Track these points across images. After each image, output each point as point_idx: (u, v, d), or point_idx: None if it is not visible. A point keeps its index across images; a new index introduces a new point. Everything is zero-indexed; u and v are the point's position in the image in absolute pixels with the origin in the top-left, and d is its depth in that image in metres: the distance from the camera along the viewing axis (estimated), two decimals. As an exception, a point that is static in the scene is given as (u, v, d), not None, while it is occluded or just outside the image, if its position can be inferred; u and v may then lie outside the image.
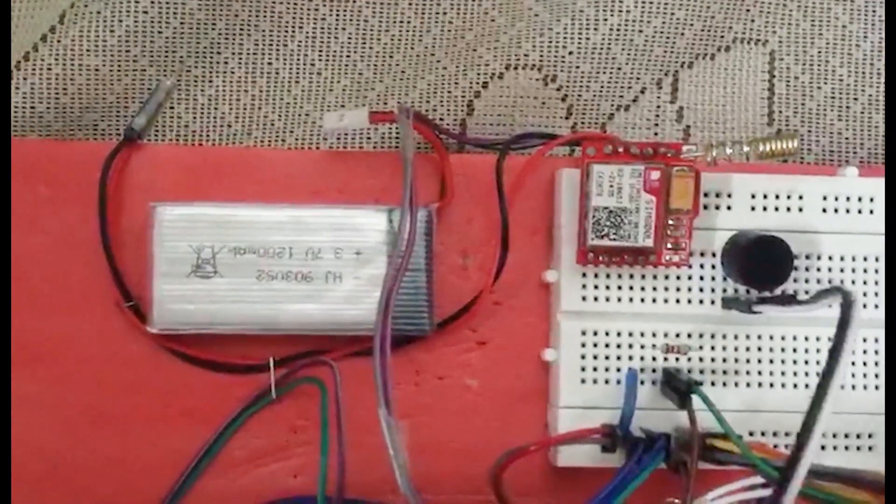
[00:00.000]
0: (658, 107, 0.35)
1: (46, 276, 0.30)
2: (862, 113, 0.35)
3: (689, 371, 0.30)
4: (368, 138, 0.34)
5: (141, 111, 0.31)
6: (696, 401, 0.28)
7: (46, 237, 0.30)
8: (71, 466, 0.30)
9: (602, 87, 0.34)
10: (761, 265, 0.29)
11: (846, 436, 0.31)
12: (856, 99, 0.35)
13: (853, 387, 0.31)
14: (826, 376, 0.21)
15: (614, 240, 0.29)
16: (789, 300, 0.28)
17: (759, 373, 0.31)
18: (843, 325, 0.21)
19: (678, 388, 0.29)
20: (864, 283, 0.31)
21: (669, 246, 0.30)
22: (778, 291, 0.30)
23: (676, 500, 0.27)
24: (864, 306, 0.31)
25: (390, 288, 0.26)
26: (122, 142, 0.30)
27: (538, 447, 0.29)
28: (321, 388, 0.30)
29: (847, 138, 0.35)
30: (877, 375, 0.31)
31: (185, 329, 0.30)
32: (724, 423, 0.27)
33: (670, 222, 0.29)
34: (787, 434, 0.30)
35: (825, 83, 0.35)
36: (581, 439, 0.28)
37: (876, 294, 0.31)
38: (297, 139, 0.34)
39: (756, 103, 0.35)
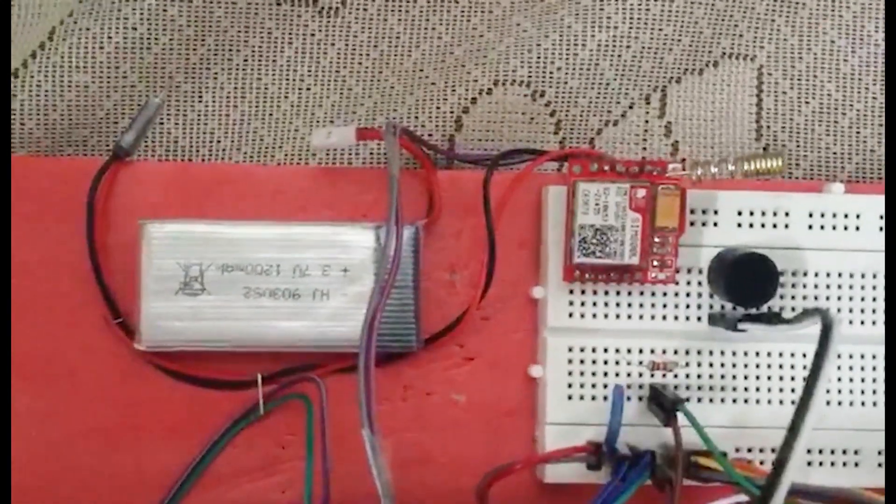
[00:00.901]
0: (646, 122, 0.35)
1: (34, 292, 0.30)
2: (850, 128, 0.35)
3: (676, 387, 0.30)
4: (357, 154, 0.34)
5: (130, 128, 0.31)
6: (681, 418, 0.29)
7: (34, 254, 0.31)
8: (59, 482, 0.30)
9: (590, 102, 0.34)
10: (747, 282, 0.29)
11: (832, 452, 0.31)
12: (844, 114, 0.35)
13: (839, 403, 0.31)
14: (806, 396, 0.21)
15: (600, 258, 0.29)
16: (774, 319, 0.28)
17: (745, 389, 0.31)
18: (823, 345, 0.21)
19: (663, 404, 0.29)
20: (850, 299, 0.31)
21: (655, 263, 0.30)
22: (764, 308, 0.30)
23: (661, 518, 0.27)
24: (850, 322, 0.31)
25: (375, 307, 0.26)
26: (110, 159, 0.31)
27: (524, 465, 0.29)
28: (307, 404, 0.30)
29: (835, 153, 0.35)
30: (862, 392, 0.31)
31: (172, 346, 0.30)
32: (707, 441, 0.27)
33: (656, 240, 0.29)
34: (772, 450, 0.30)
35: (813, 98, 0.35)
36: (566, 457, 0.28)
37: (862, 311, 0.31)
38: (286, 154, 0.34)
39: (744, 118, 0.35)
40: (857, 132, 0.35)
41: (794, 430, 0.21)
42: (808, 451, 0.31)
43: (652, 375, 0.31)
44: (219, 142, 0.34)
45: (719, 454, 0.27)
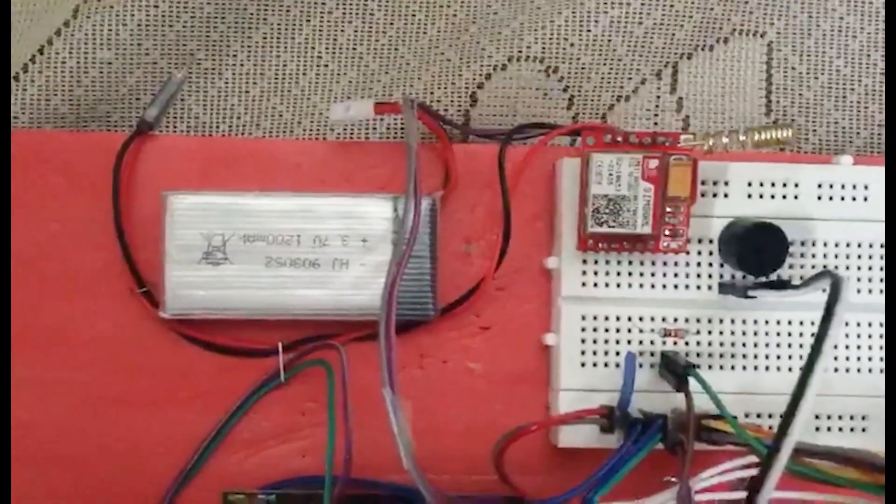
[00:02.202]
0: (658, 97, 0.35)
1: (61, 263, 0.31)
2: (858, 103, 0.36)
3: (687, 355, 0.31)
4: (374, 129, 0.34)
5: (153, 103, 0.32)
6: (692, 383, 0.29)
7: (61, 225, 0.31)
8: (85, 448, 0.31)
9: (603, 78, 0.35)
10: (757, 251, 0.30)
11: (840, 417, 0.31)
12: (852, 89, 0.36)
13: (846, 370, 0.31)
14: (813, 355, 0.22)
15: (613, 227, 0.30)
16: (783, 285, 0.29)
17: (755, 356, 0.31)
18: (831, 306, 0.22)
19: (675, 370, 0.30)
20: (858, 268, 0.32)
21: (667, 233, 0.30)
22: (774, 277, 0.30)
23: (673, 479, 0.28)
24: (858, 291, 0.31)
25: (396, 268, 0.26)
26: (134, 132, 0.31)
27: (538, 427, 0.29)
28: (328, 370, 0.31)
29: (844, 128, 0.36)
30: (870, 359, 0.32)
31: (196, 314, 0.30)
32: (719, 404, 0.28)
33: (668, 210, 0.30)
34: (781, 416, 0.31)
35: (822, 74, 0.36)
36: (580, 420, 0.29)
37: (870, 280, 0.32)
38: (304, 130, 0.34)
39: (754, 94, 0.36)
40: (866, 107, 0.36)
41: (801, 386, 0.22)
42: (816, 417, 0.31)
43: (664, 343, 0.31)
44: (238, 118, 0.34)
45: (730, 416, 0.28)
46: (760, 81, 0.36)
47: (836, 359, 0.32)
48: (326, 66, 0.34)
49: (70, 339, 0.31)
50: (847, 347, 0.32)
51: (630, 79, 0.35)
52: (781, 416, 0.22)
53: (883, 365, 0.31)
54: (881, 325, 0.31)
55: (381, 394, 0.24)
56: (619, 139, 0.30)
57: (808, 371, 0.21)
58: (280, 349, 0.31)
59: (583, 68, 0.35)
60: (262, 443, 0.32)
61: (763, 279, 0.30)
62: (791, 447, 0.21)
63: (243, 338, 0.32)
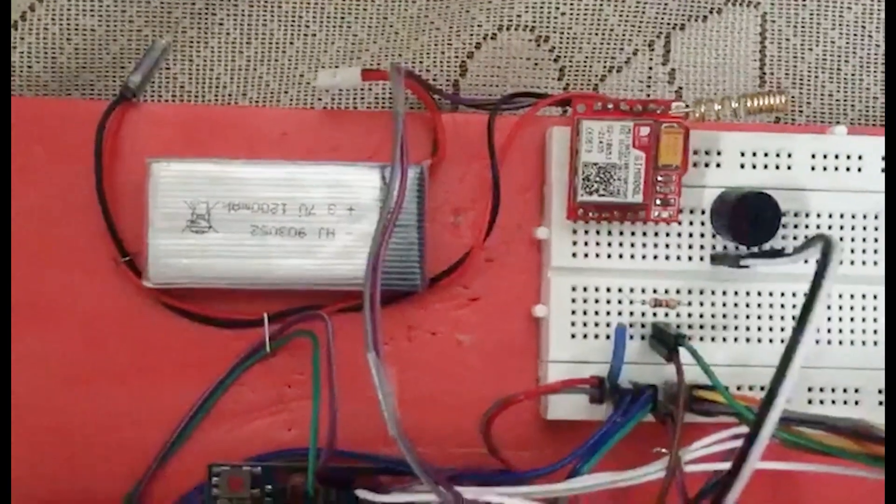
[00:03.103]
0: (650, 69, 0.35)
1: (42, 232, 0.31)
2: (853, 75, 0.35)
3: (678, 326, 0.31)
4: (362, 98, 0.34)
5: (136, 69, 0.31)
6: (683, 355, 0.29)
7: (42, 194, 0.31)
8: (68, 419, 0.31)
9: (594, 48, 0.34)
10: (750, 221, 0.29)
11: (833, 390, 0.31)
12: (846, 61, 0.35)
13: (840, 342, 0.31)
14: (804, 314, 0.21)
15: (603, 196, 0.29)
16: (776, 253, 0.28)
17: (747, 328, 0.31)
18: (823, 266, 0.22)
19: (666, 341, 0.29)
20: (852, 240, 0.31)
21: (658, 202, 0.30)
22: (766, 247, 0.30)
23: (663, 450, 0.28)
24: (851, 263, 0.31)
25: (382, 233, 0.26)
26: (117, 99, 0.31)
27: (527, 396, 0.29)
28: (314, 340, 0.30)
29: (838, 100, 0.35)
30: (863, 331, 0.31)
31: (180, 283, 0.30)
32: (709, 373, 0.28)
33: (659, 178, 0.30)
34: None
35: (816, 45, 0.35)
36: (570, 388, 0.29)
37: (863, 251, 0.31)
38: (291, 100, 0.34)
39: (748, 65, 0.35)
40: (860, 79, 0.35)
41: (792, 345, 0.22)
42: (809, 390, 0.31)
43: (654, 315, 0.31)
44: (224, 87, 0.34)
45: (721, 385, 0.27)
46: (754, 53, 0.35)
47: (828, 331, 0.31)
48: (314, 35, 0.34)
49: (52, 310, 0.31)
50: (840, 320, 0.31)
51: (622, 49, 0.35)
52: (771, 379, 0.22)
53: (875, 337, 0.31)
54: (874, 297, 0.31)
55: (366, 358, 0.24)
56: (610, 106, 0.30)
57: (798, 331, 0.21)
58: (266, 320, 0.31)
59: (574, 38, 0.34)
60: (247, 415, 0.31)
61: (756, 249, 0.30)
62: (781, 407, 0.21)
63: (228, 309, 0.31)
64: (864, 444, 0.25)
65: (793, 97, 0.35)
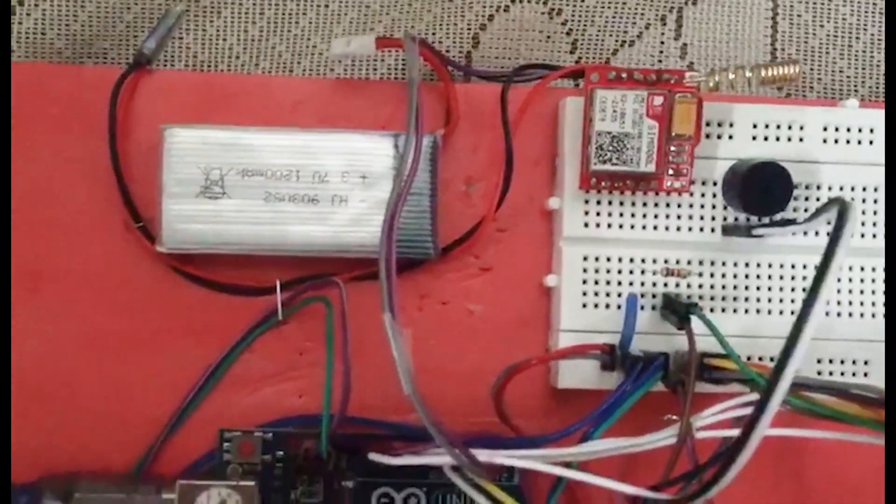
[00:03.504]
0: (662, 43, 0.35)
1: (57, 197, 0.31)
2: (864, 52, 0.35)
3: (689, 297, 0.31)
4: (374, 69, 0.34)
5: (150, 35, 0.31)
6: (695, 323, 0.29)
7: (57, 159, 0.31)
8: (78, 385, 0.31)
9: (607, 22, 0.34)
10: (762, 191, 0.30)
11: (842, 362, 0.31)
12: (858, 38, 0.35)
13: (850, 314, 0.31)
14: (819, 278, 0.21)
15: (616, 165, 0.30)
16: (789, 221, 0.29)
17: (758, 300, 0.31)
18: (839, 229, 0.22)
19: (677, 309, 0.29)
20: (863, 212, 0.31)
21: (671, 172, 0.30)
22: (777, 218, 0.30)
23: (675, 417, 0.28)
24: (862, 236, 0.31)
25: (397, 197, 0.26)
26: (132, 65, 0.31)
27: (539, 361, 0.29)
28: (327, 305, 0.30)
29: (849, 76, 0.35)
30: (873, 304, 0.31)
31: (192, 249, 0.30)
32: (721, 340, 0.28)
33: (672, 148, 0.30)
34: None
35: (828, 21, 0.35)
36: (581, 354, 0.29)
37: (874, 224, 0.31)
38: (304, 70, 0.34)
39: (759, 41, 0.35)
40: (871, 56, 0.36)
41: (806, 309, 0.22)
42: (818, 361, 0.31)
43: (665, 285, 0.31)
44: (237, 57, 0.34)
45: (733, 352, 0.27)
46: (766, 28, 0.35)
47: (838, 303, 0.31)
48: (327, 6, 0.34)
49: (64, 275, 0.31)
50: (850, 292, 0.31)
51: (634, 24, 0.35)
52: (785, 343, 0.22)
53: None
54: (885, 269, 0.31)
55: (381, 319, 0.24)
56: (624, 76, 0.30)
57: (814, 289, 0.21)
58: (278, 287, 0.31)
59: (586, 11, 0.34)
60: (258, 382, 0.31)
61: (767, 220, 0.30)
62: (795, 366, 0.21)
63: (241, 276, 0.31)
64: (874, 409, 0.25)
65: (804, 73, 0.35)
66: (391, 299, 0.24)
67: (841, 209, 0.22)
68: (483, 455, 0.25)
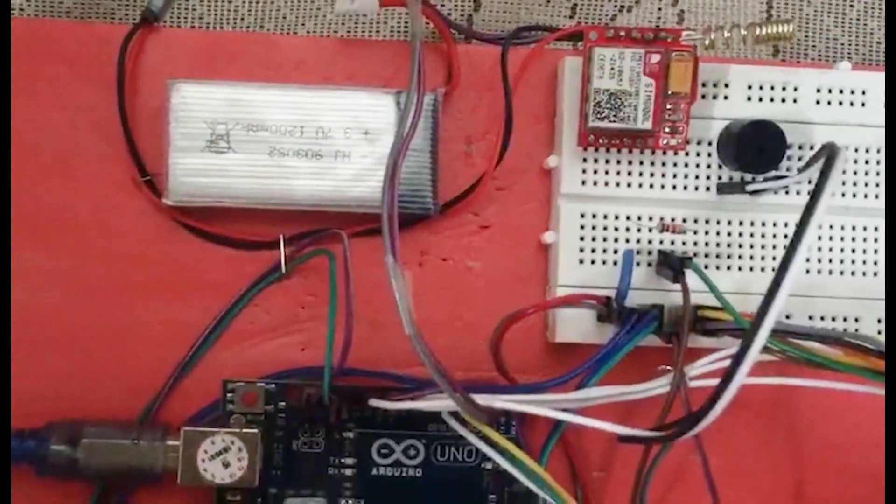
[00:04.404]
0: (659, 9, 0.36)
1: (65, 151, 0.31)
2: (857, 19, 0.36)
3: (684, 254, 0.31)
4: (377, 31, 0.35)
5: (158, -8, 0.32)
6: (689, 277, 0.30)
7: (65, 114, 0.31)
8: (85, 335, 0.31)
9: (605, -13, 0.35)
10: (756, 149, 0.30)
11: (833, 319, 0.32)
12: (852, 5, 0.36)
13: (840, 272, 0.32)
14: (804, 219, 0.22)
15: (614, 122, 0.30)
16: (782, 175, 0.29)
17: (751, 258, 0.32)
18: (826, 172, 0.22)
19: (672, 264, 0.30)
20: (855, 173, 0.32)
21: (667, 129, 0.31)
22: (771, 175, 0.31)
23: (669, 367, 0.29)
24: (854, 196, 0.32)
25: (399, 149, 0.27)
26: (140, 22, 0.31)
27: (537, 308, 0.30)
28: (330, 257, 0.31)
29: (842, 43, 0.36)
30: (864, 262, 0.32)
31: (198, 202, 0.31)
32: (715, 290, 0.28)
33: (668, 106, 0.30)
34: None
35: (822, -11, 0.36)
36: (579, 303, 0.29)
37: (865, 184, 0.32)
38: (308, 31, 0.35)
39: (755, 7, 0.36)
40: (864, 24, 0.36)
41: (791, 250, 0.22)
42: (810, 318, 0.32)
43: (661, 242, 0.31)
44: (242, 18, 0.34)
45: (728, 303, 0.28)
46: (761, -4, 0.36)
47: (829, 262, 0.32)
48: (331, -31, 0.35)
49: (72, 227, 0.31)
50: (842, 251, 0.32)
51: (632, -11, 0.35)
52: (769, 285, 0.23)
53: (875, 268, 0.32)
54: (875, 229, 0.32)
55: (384, 262, 0.25)
56: (622, 34, 0.30)
57: (798, 236, 0.22)
58: (282, 241, 0.32)
59: (586, -24, 0.35)
60: (261, 335, 0.32)
61: (761, 178, 0.31)
62: (780, 307, 0.22)
63: (245, 230, 0.32)
64: (862, 356, 0.26)
65: (798, 41, 0.36)
66: (393, 243, 0.25)
67: (830, 153, 0.23)
68: (482, 399, 0.26)
